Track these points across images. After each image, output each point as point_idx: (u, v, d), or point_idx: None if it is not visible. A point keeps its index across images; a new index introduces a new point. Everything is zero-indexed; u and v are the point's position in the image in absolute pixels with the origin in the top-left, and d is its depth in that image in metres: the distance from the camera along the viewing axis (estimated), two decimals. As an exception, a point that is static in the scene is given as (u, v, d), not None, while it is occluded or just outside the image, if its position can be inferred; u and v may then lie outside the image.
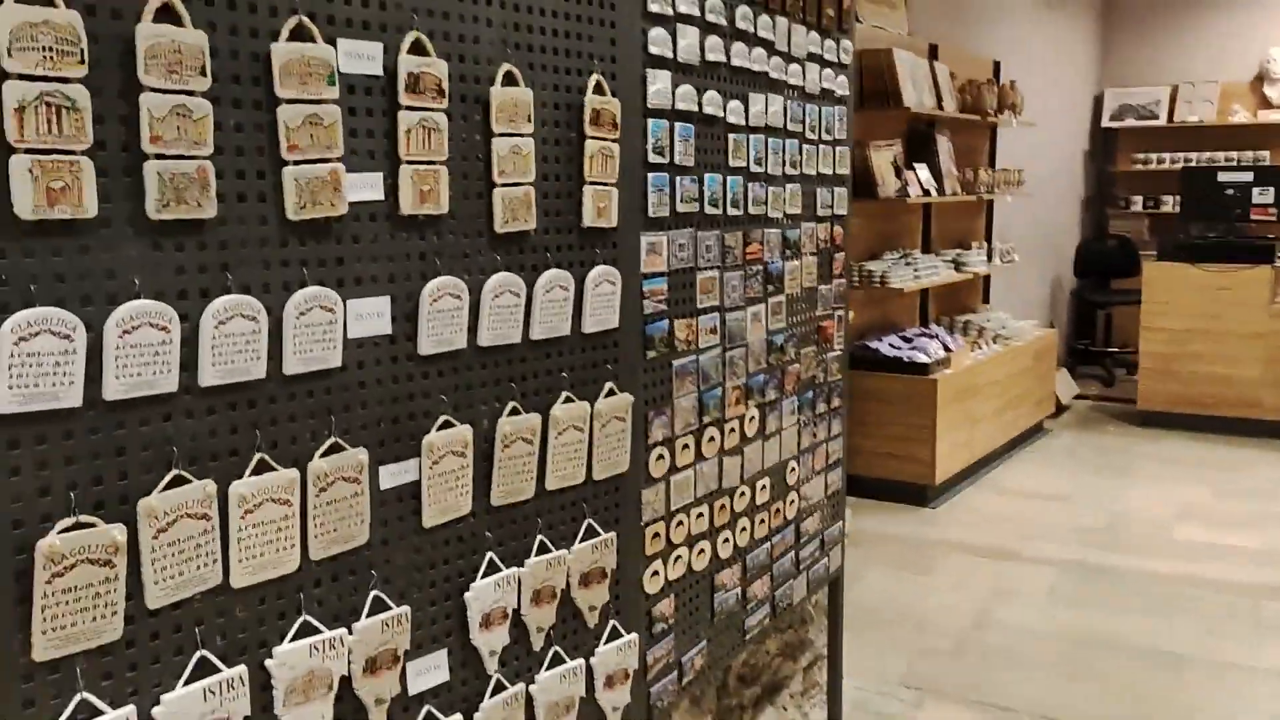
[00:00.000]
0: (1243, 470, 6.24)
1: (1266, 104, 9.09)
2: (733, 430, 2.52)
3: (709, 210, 2.36)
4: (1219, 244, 7.23)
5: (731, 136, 2.43)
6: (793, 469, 2.83)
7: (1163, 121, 9.50)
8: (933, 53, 6.32)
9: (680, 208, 2.26)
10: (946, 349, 5.85)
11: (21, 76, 1.21)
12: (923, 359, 5.57)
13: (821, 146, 2.87)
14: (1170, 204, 9.48)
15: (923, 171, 5.98)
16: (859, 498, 5.56)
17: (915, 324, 6.54)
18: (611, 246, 2.08)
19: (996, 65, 7.25)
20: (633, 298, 2.14)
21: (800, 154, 2.76)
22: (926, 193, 5.91)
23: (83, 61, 1.25)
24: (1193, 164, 8.89)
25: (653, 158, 2.16)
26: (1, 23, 1.19)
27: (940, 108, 5.96)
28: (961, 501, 5.68)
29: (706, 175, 2.35)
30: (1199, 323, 7.06)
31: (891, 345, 5.73)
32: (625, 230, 2.10)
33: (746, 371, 2.57)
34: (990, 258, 6.80)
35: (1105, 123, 9.76)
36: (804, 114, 2.76)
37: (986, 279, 7.36)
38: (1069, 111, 9.17)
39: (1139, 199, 9.70)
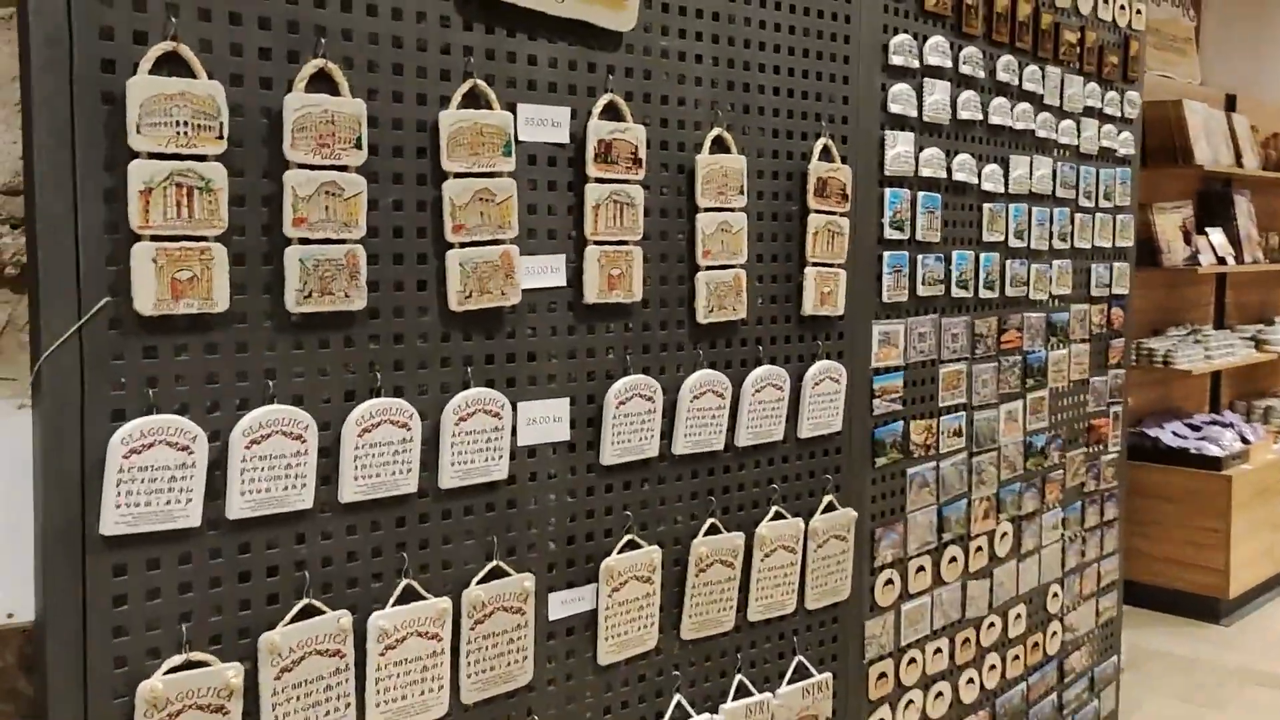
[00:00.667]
0: None
1: None
2: (980, 549, 2.14)
3: (957, 293, 2.01)
4: None
5: (987, 206, 2.08)
6: (1055, 594, 2.39)
7: None
8: (1230, 104, 5.61)
9: (922, 290, 1.93)
10: (1243, 440, 5.07)
11: (151, 155, 1.08)
12: (1215, 451, 4.84)
13: (1099, 215, 2.45)
14: None
15: (1216, 236, 5.27)
16: (1135, 607, 4.87)
17: (1205, 410, 5.76)
18: (837, 338, 1.78)
19: (1308, 116, 6.37)
20: (861, 396, 1.83)
21: (1072, 224, 2.36)
22: (1221, 260, 5.20)
23: (221, 137, 1.11)
24: None
25: (890, 233, 1.85)
26: (132, 97, 1.06)
27: (1239, 165, 5.25)
28: (1261, 620, 4.86)
29: (954, 252, 2.01)
30: None
31: (1176, 434, 5.03)
32: (854, 318, 1.80)
33: (998, 479, 2.18)
34: (1298, 335, 5.91)
35: None
36: (1078, 177, 2.36)
37: (1293, 358, 6.42)
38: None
39: None
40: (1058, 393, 2.35)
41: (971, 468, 2.09)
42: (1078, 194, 2.36)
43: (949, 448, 2.03)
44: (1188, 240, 5.04)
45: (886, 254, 1.84)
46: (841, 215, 1.74)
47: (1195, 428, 5.19)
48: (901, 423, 1.91)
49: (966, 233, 2.04)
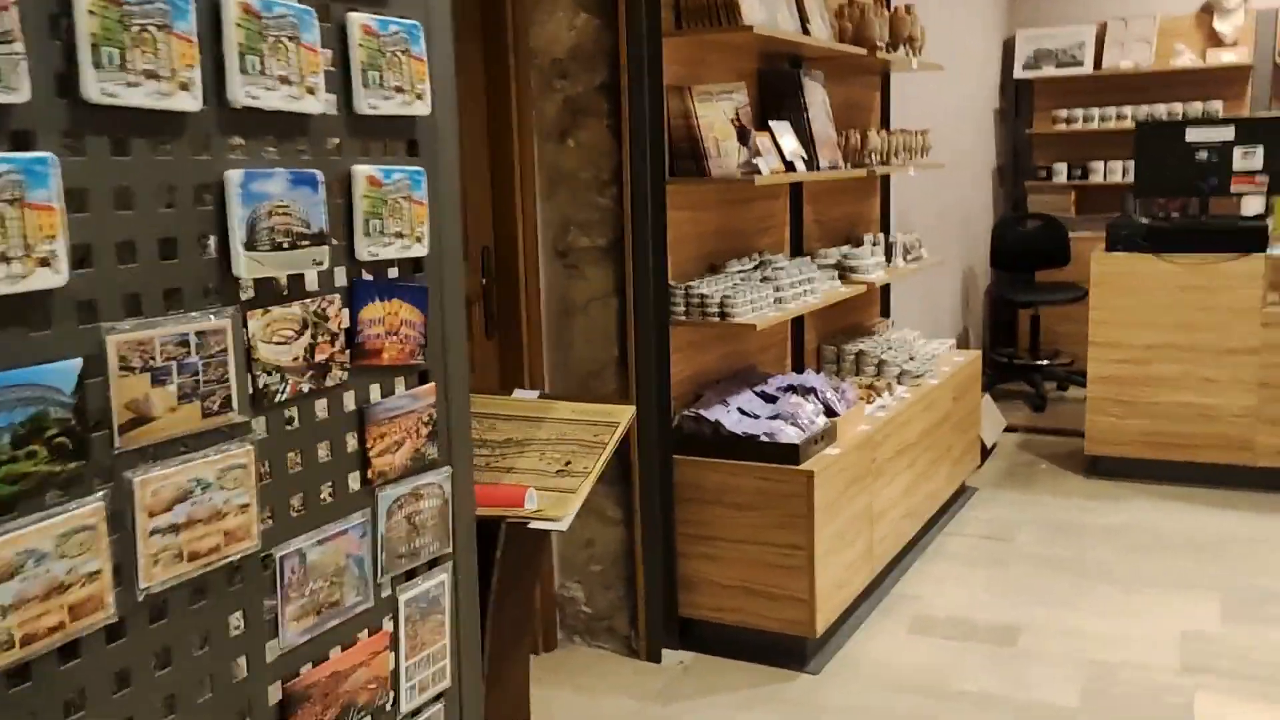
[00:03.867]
0: (1251, 557, 4.35)
1: (1217, 41, 7.27)
2: None
3: None
4: (1190, 227, 5.34)
5: None
6: None
7: (1088, 69, 7.63)
8: (794, -46, 4.20)
9: None
10: (829, 411, 3.78)
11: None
12: (790, 436, 3.48)
13: (276, 24, 0.72)
14: (1100, 173, 7.65)
15: (784, 135, 3.88)
16: (709, 655, 3.48)
17: (786, 366, 4.47)
18: None
19: (887, -15, 5.20)
20: None
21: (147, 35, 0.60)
22: (790, 166, 3.80)
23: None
24: (1138, 119, 6.97)
25: None
26: None
27: (806, 33, 3.87)
28: (857, 655, 3.61)
29: None
30: (1165, 335, 5.17)
31: (743, 412, 3.62)
32: None
33: None
34: (890, 257, 4.75)
35: (1018, 73, 7.86)
36: None
37: (886, 286, 5.34)
38: (972, 59, 7.22)
39: (1062, 167, 7.84)
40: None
41: None
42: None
43: None
44: (744, 139, 3.58)
45: None
46: None
47: (770, 398, 3.82)
48: None
49: None
